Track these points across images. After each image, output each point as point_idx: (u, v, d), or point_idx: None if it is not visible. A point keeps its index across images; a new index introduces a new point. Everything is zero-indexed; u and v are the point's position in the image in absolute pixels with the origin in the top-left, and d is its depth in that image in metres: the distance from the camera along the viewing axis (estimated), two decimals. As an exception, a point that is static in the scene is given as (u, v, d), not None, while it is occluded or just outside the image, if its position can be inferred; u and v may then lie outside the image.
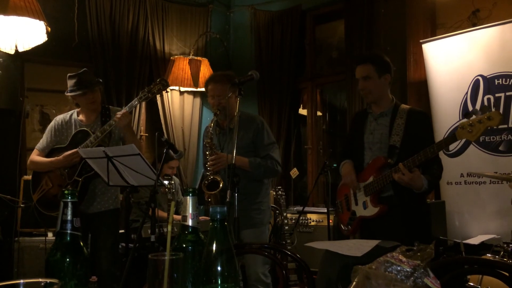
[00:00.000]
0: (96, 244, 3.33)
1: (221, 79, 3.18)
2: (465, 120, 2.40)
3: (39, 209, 3.31)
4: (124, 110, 3.20)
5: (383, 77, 2.76)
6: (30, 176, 4.30)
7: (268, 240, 3.36)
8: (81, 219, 3.31)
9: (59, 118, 3.49)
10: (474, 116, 2.35)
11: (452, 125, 3.91)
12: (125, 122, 3.17)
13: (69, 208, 1.07)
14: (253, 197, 3.22)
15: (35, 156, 3.40)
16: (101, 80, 3.49)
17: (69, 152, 3.22)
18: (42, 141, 3.43)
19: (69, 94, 3.37)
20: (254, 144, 3.24)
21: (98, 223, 3.29)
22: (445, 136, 3.74)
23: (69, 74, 3.37)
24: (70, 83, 3.35)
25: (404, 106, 2.80)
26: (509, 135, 3.63)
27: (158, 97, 5.18)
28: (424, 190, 2.56)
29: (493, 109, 2.37)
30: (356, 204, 2.79)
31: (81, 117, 3.44)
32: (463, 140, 3.79)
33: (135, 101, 3.25)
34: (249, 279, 3.18)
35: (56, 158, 3.29)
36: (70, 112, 3.51)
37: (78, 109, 3.47)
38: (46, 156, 3.37)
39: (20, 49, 3.88)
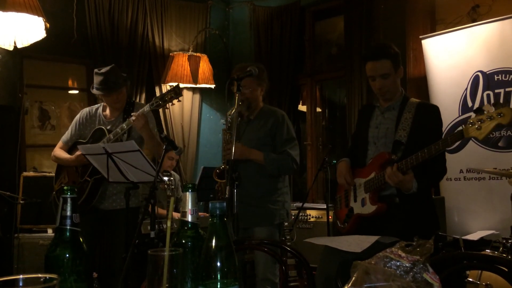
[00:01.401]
0: (111, 241, 3.36)
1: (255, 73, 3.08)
2: (474, 115, 2.24)
3: (57, 201, 3.34)
4: (139, 113, 3.15)
5: (398, 71, 2.59)
6: (30, 172, 4.34)
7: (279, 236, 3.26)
8: (97, 215, 3.30)
9: (84, 111, 3.52)
10: (485, 112, 2.18)
11: (452, 121, 3.91)
12: (140, 124, 3.14)
13: (69, 204, 1.07)
14: (265, 194, 3.16)
15: (57, 149, 3.46)
16: (127, 77, 3.45)
17: (80, 152, 3.23)
18: (67, 134, 3.49)
19: (93, 91, 3.37)
20: (272, 137, 3.17)
21: (114, 220, 3.31)
22: (445, 132, 3.74)
23: (95, 71, 3.33)
24: (96, 80, 3.30)
25: (413, 99, 2.63)
26: (509, 131, 3.63)
27: (156, 91, 5.18)
28: (412, 193, 2.42)
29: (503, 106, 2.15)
30: (355, 200, 2.65)
31: (106, 112, 3.45)
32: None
33: (146, 107, 3.21)
34: (257, 277, 3.18)
35: (71, 156, 3.35)
36: (96, 106, 3.54)
37: (104, 103, 3.47)
38: (70, 149, 3.42)
39: (19, 45, 3.87)
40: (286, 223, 3.99)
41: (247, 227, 3.11)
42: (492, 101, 3.70)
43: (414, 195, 2.44)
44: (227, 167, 3.04)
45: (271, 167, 3.11)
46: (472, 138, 3.74)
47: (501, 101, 3.65)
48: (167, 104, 3.21)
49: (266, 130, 3.18)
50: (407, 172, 2.37)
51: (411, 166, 2.36)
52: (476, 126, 2.20)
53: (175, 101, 3.18)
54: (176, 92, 3.15)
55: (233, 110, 3.14)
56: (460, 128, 2.34)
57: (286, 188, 3.28)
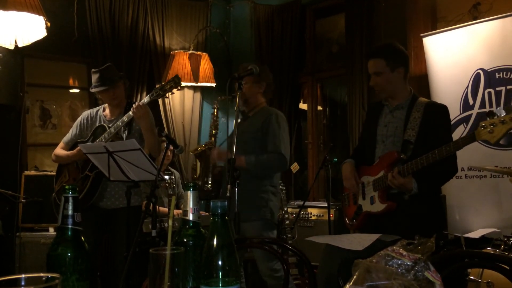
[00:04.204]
0: (113, 240, 3.37)
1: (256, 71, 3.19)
2: (487, 119, 2.27)
3: (57, 201, 3.35)
4: (139, 102, 3.22)
5: (396, 71, 2.62)
6: (32, 171, 4.34)
7: (269, 235, 3.31)
8: (99, 214, 3.33)
9: (86, 113, 3.55)
10: (496, 116, 2.22)
11: (453, 119, 3.89)
12: (140, 113, 3.17)
13: (70, 203, 1.07)
14: (250, 192, 3.18)
15: (58, 149, 3.49)
16: (123, 75, 3.49)
17: None
18: (68, 135, 3.52)
19: (92, 90, 3.42)
20: (262, 133, 3.23)
21: (115, 219, 3.31)
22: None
23: (92, 70, 3.40)
24: (93, 78, 3.37)
25: (422, 99, 2.66)
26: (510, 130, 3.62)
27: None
28: (414, 194, 2.48)
29: None
30: (364, 198, 2.70)
31: (106, 112, 3.48)
32: (464, 134, 3.80)
33: (147, 98, 3.25)
34: (261, 273, 3.22)
35: (71, 151, 3.36)
36: (97, 108, 3.56)
37: (105, 104, 3.51)
38: (70, 149, 3.43)
39: (20, 44, 3.88)
40: (287, 222, 4.00)
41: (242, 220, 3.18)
42: (493, 99, 3.70)
43: (423, 194, 2.49)
44: (206, 148, 3.14)
45: (254, 170, 3.17)
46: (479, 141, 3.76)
47: (502, 99, 3.65)
48: (167, 94, 3.26)
49: (257, 126, 3.25)
50: (406, 175, 2.44)
51: (416, 169, 2.41)
52: (489, 129, 2.23)
53: (175, 90, 3.23)
54: (176, 82, 3.21)
55: (223, 98, 3.24)
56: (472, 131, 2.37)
57: (273, 187, 3.31)
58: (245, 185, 3.16)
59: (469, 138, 2.33)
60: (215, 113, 3.74)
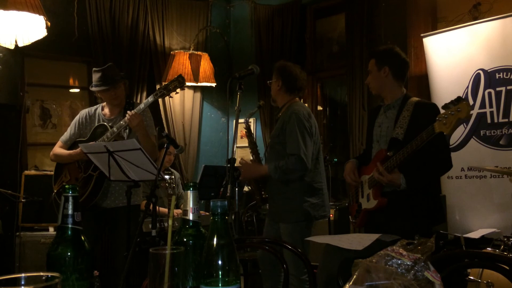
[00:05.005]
0: (113, 239, 3.37)
1: (274, 69, 3.35)
2: (442, 111, 2.36)
3: (58, 201, 3.34)
4: (133, 111, 3.18)
5: (382, 70, 2.75)
6: (32, 171, 4.34)
7: (301, 238, 3.15)
8: (99, 213, 3.33)
9: (84, 111, 3.53)
10: (449, 108, 2.31)
11: (453, 119, 3.90)
12: (134, 123, 3.15)
13: (70, 203, 1.07)
14: (279, 196, 3.26)
15: (56, 148, 3.46)
16: (124, 75, 3.49)
17: None
18: (66, 134, 3.49)
19: (92, 89, 3.40)
20: (283, 135, 3.22)
21: (115, 218, 3.31)
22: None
23: (94, 69, 3.39)
24: (95, 77, 3.35)
25: (413, 98, 2.73)
26: (510, 129, 3.63)
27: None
28: (403, 189, 2.53)
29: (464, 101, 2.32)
30: (362, 196, 2.80)
31: (105, 111, 3.47)
32: (464, 134, 3.81)
33: (151, 98, 3.24)
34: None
35: (74, 150, 3.33)
36: (96, 106, 3.55)
37: (103, 103, 3.49)
38: (69, 149, 3.41)
39: (20, 44, 3.88)
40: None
41: (277, 221, 3.31)
42: (493, 99, 3.70)
43: (415, 190, 2.57)
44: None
45: (276, 175, 3.19)
46: (474, 137, 3.76)
47: (503, 99, 3.65)
48: (171, 94, 3.26)
49: (278, 129, 3.30)
50: (393, 171, 2.54)
51: (396, 164, 2.52)
52: (444, 121, 2.32)
53: (178, 90, 3.23)
54: (180, 81, 3.20)
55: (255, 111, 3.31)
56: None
57: (307, 187, 3.23)
58: (272, 189, 3.31)
59: (430, 130, 2.41)
60: (246, 131, 3.61)
